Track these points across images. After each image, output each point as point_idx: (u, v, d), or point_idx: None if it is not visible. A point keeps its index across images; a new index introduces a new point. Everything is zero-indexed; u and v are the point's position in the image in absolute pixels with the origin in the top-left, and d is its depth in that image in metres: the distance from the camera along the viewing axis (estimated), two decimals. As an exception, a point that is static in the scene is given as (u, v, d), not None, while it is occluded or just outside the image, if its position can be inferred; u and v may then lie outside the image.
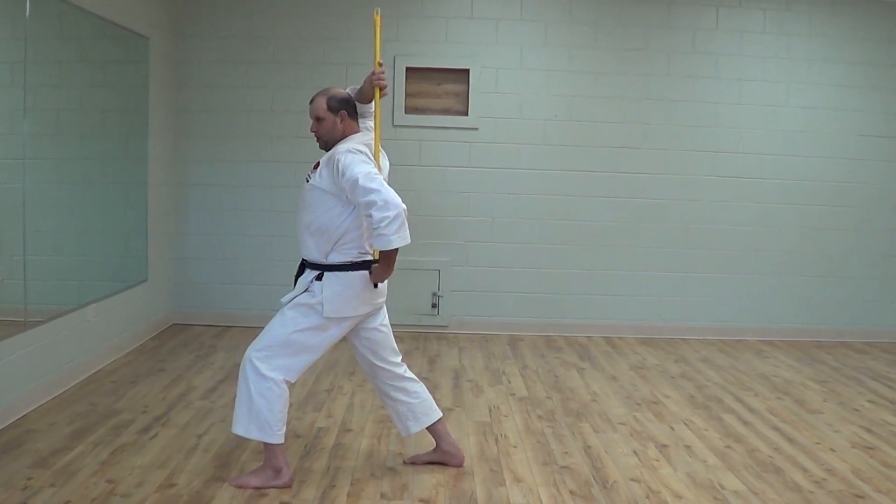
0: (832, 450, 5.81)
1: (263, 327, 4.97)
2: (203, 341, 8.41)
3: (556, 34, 9.11)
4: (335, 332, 4.88)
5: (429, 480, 5.03)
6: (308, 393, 6.77)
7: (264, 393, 4.72)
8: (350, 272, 4.79)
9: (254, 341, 4.89)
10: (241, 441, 5.52)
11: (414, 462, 5.29)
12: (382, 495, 4.78)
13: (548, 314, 9.35)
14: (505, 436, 5.90)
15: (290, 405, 6.30)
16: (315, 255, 4.82)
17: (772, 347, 9.07)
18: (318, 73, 8.99)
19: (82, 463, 5.06)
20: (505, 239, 9.20)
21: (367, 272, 4.83)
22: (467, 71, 9.08)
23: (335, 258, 4.78)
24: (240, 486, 4.81)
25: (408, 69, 9.05)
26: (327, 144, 4.94)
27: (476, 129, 9.09)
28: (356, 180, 4.51)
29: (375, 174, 4.56)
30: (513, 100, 9.12)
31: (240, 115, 9.05)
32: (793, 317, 9.53)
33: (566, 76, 9.15)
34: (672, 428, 6.19)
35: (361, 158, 4.65)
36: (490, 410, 6.51)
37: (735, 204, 9.34)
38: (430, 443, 5.40)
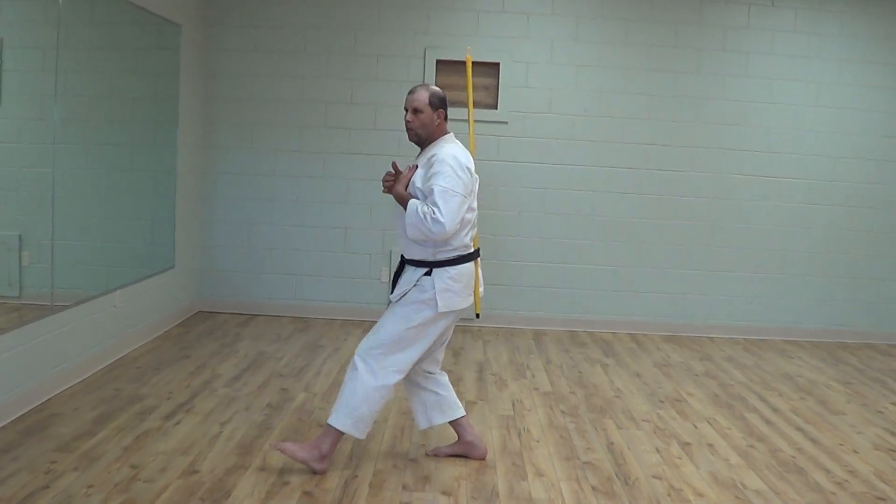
0: (855, 451, 5.79)
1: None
2: (228, 329, 8.44)
3: (586, 29, 9.08)
4: (443, 325, 4.97)
5: (451, 473, 5.04)
6: (332, 383, 6.78)
7: (371, 395, 4.81)
8: (458, 266, 4.89)
9: (365, 339, 4.95)
10: (265, 430, 5.55)
11: (436, 454, 5.30)
12: (404, 486, 4.80)
13: (573, 309, 9.33)
14: (528, 430, 5.90)
15: (315, 395, 6.38)
16: (421, 255, 4.90)
17: (796, 347, 9.03)
18: (348, 63, 9.01)
19: (106, 448, 5.09)
20: (532, 233, 9.18)
21: (471, 264, 4.97)
22: (497, 65, 9.06)
23: (443, 255, 4.87)
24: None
25: (438, 62, 9.04)
26: (420, 138, 4.99)
27: (505, 122, 9.07)
28: (435, 189, 4.70)
29: (454, 195, 4.70)
30: (542, 94, 9.10)
31: (269, 105, 9.07)
32: (818, 317, 9.47)
33: (596, 72, 9.12)
34: (695, 426, 6.18)
35: (458, 178, 4.75)
36: (513, 404, 6.51)
37: (762, 203, 9.29)
38: (452, 435, 5.41)
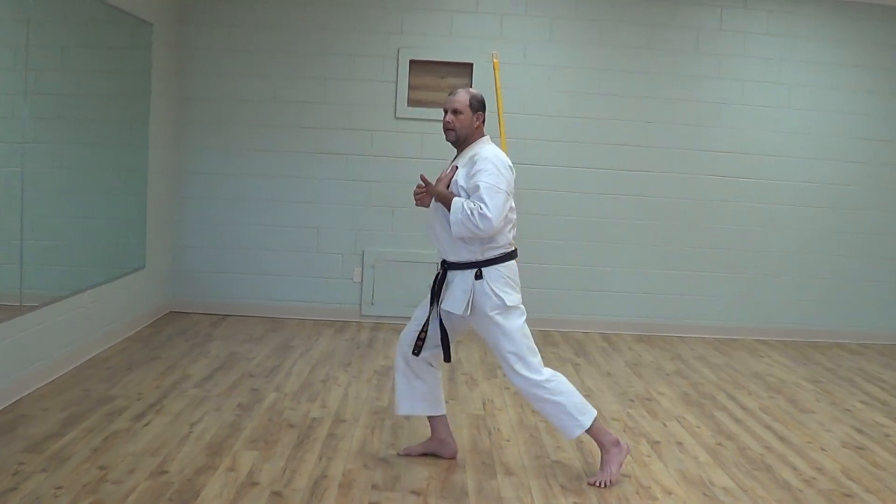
0: (823, 449, 5.83)
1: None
2: (199, 330, 8.41)
3: (560, 30, 9.11)
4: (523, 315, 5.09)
5: (421, 472, 5.04)
6: (303, 383, 6.77)
7: (558, 392, 4.92)
8: (506, 262, 5.00)
9: (513, 372, 4.98)
10: (234, 430, 5.54)
11: (408, 453, 5.30)
12: (374, 486, 4.79)
13: (545, 309, 9.33)
14: (498, 429, 5.92)
15: (285, 395, 6.36)
16: (469, 256, 4.95)
17: (767, 347, 9.08)
18: (320, 63, 9.01)
19: (74, 449, 5.06)
20: (504, 233, 9.18)
21: (515, 261, 5.07)
22: (471, 65, 9.06)
23: (491, 253, 4.94)
24: (613, 481, 4.98)
25: (411, 62, 9.04)
26: (458, 139, 5.07)
27: (478, 123, 9.07)
28: (480, 185, 4.79)
29: (498, 191, 4.81)
30: (516, 95, 9.09)
31: (241, 104, 9.05)
32: (789, 317, 9.53)
33: (570, 73, 9.15)
34: (665, 425, 6.21)
35: (501, 176, 4.88)
36: (484, 404, 6.53)
37: (734, 204, 9.34)
38: (424, 434, 5.43)
